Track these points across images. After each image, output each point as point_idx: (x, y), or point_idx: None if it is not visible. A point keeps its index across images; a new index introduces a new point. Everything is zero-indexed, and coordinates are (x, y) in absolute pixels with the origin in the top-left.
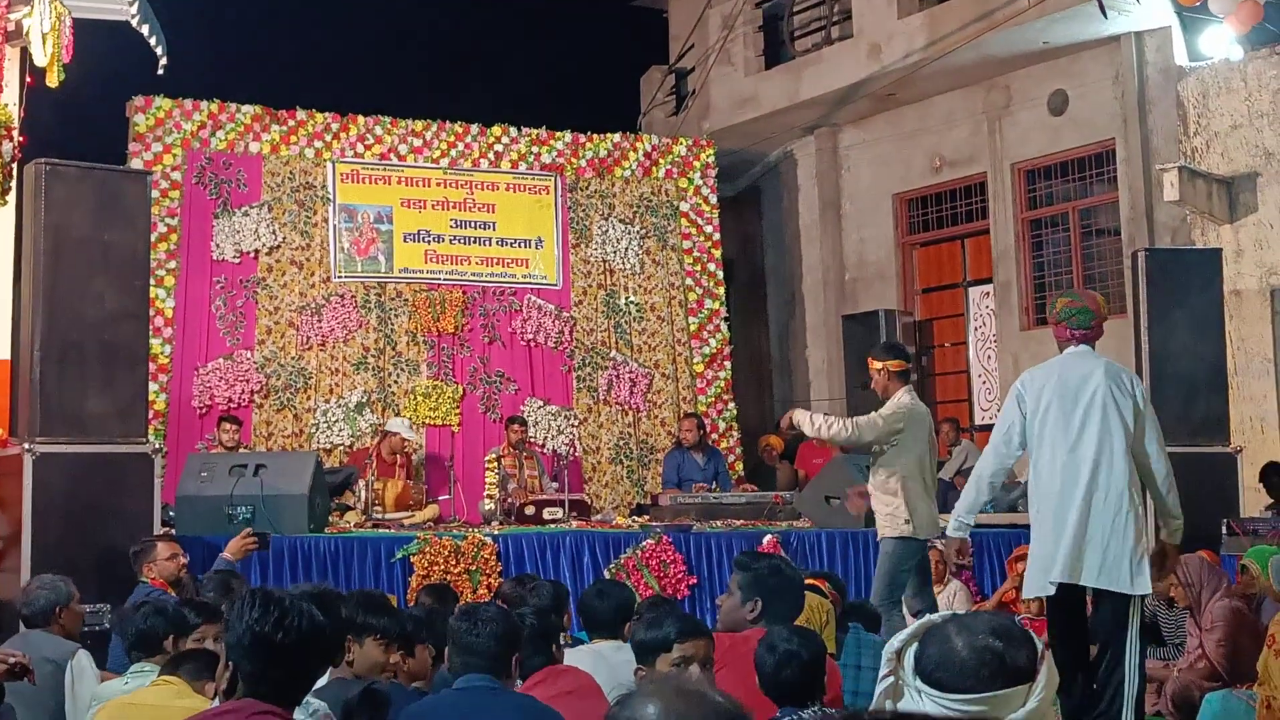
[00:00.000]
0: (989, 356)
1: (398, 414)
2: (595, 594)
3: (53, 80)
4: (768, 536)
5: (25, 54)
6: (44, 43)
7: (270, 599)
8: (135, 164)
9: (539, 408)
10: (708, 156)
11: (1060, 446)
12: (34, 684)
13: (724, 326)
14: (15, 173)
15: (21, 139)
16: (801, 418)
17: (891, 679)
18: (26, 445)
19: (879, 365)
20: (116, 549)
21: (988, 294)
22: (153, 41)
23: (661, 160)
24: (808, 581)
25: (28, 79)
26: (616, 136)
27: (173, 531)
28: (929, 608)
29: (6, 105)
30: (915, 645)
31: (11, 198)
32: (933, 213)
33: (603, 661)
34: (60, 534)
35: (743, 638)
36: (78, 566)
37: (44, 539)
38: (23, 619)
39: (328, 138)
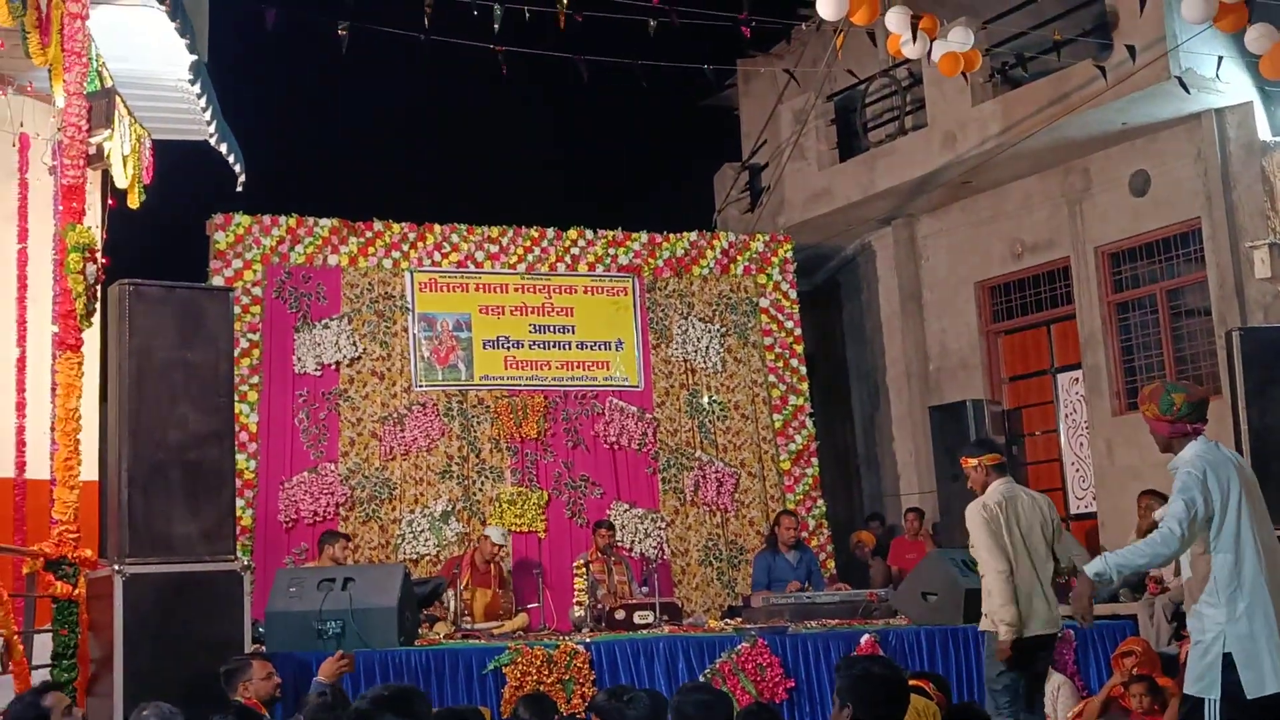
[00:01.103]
0: (1081, 443)
1: (484, 522)
2: (693, 705)
3: (134, 201)
4: (865, 636)
5: (106, 176)
6: (124, 165)
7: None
8: (216, 281)
9: (625, 511)
10: (786, 251)
11: (1255, 542)
12: None
13: (809, 422)
14: (100, 294)
15: (105, 260)
16: (1002, 642)
17: None
18: (116, 567)
19: (974, 463)
20: (208, 668)
21: (1077, 380)
22: (231, 159)
23: (739, 257)
24: (911, 683)
25: (109, 201)
26: (693, 235)
27: (263, 649)
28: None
29: (90, 228)
30: None
31: (96, 319)
32: (1016, 299)
33: None
34: (152, 655)
35: None
36: (169, 688)
37: (136, 661)
38: None
39: (405, 247)
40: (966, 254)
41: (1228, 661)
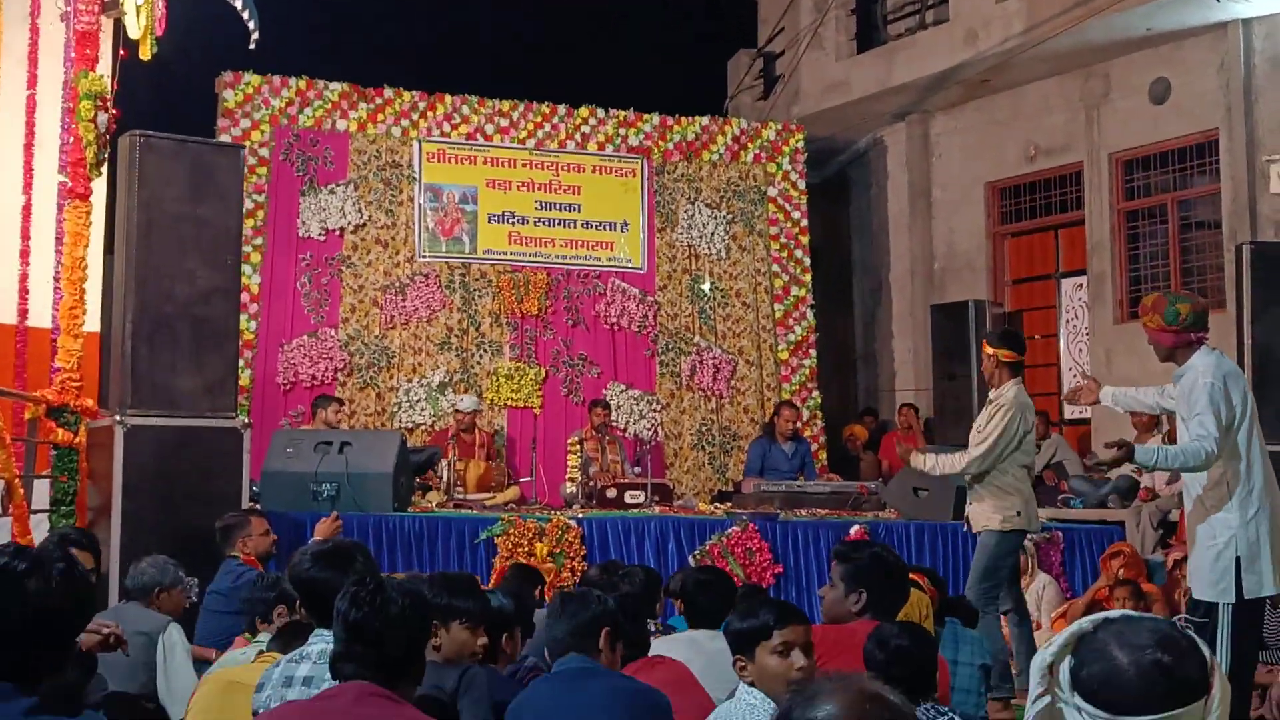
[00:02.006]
0: (1080, 350)
1: (481, 395)
2: (695, 582)
3: (145, 53)
4: (855, 527)
5: (119, 25)
6: (138, 15)
7: (370, 585)
8: (224, 139)
9: (621, 392)
10: (797, 142)
11: (1262, 449)
12: (127, 654)
13: (809, 314)
14: (109, 145)
15: (115, 111)
16: (918, 461)
17: (1047, 698)
18: (118, 417)
19: (991, 352)
20: (204, 523)
21: (1081, 286)
22: (245, 15)
23: (750, 145)
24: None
25: (121, 51)
26: (705, 120)
27: (258, 506)
28: (1017, 604)
29: (102, 76)
30: (1069, 659)
31: (105, 169)
32: (1025, 202)
33: (699, 651)
34: (149, 506)
35: (849, 630)
36: (166, 538)
37: (133, 511)
38: (125, 591)
39: (415, 116)
40: (979, 154)
41: (1238, 565)
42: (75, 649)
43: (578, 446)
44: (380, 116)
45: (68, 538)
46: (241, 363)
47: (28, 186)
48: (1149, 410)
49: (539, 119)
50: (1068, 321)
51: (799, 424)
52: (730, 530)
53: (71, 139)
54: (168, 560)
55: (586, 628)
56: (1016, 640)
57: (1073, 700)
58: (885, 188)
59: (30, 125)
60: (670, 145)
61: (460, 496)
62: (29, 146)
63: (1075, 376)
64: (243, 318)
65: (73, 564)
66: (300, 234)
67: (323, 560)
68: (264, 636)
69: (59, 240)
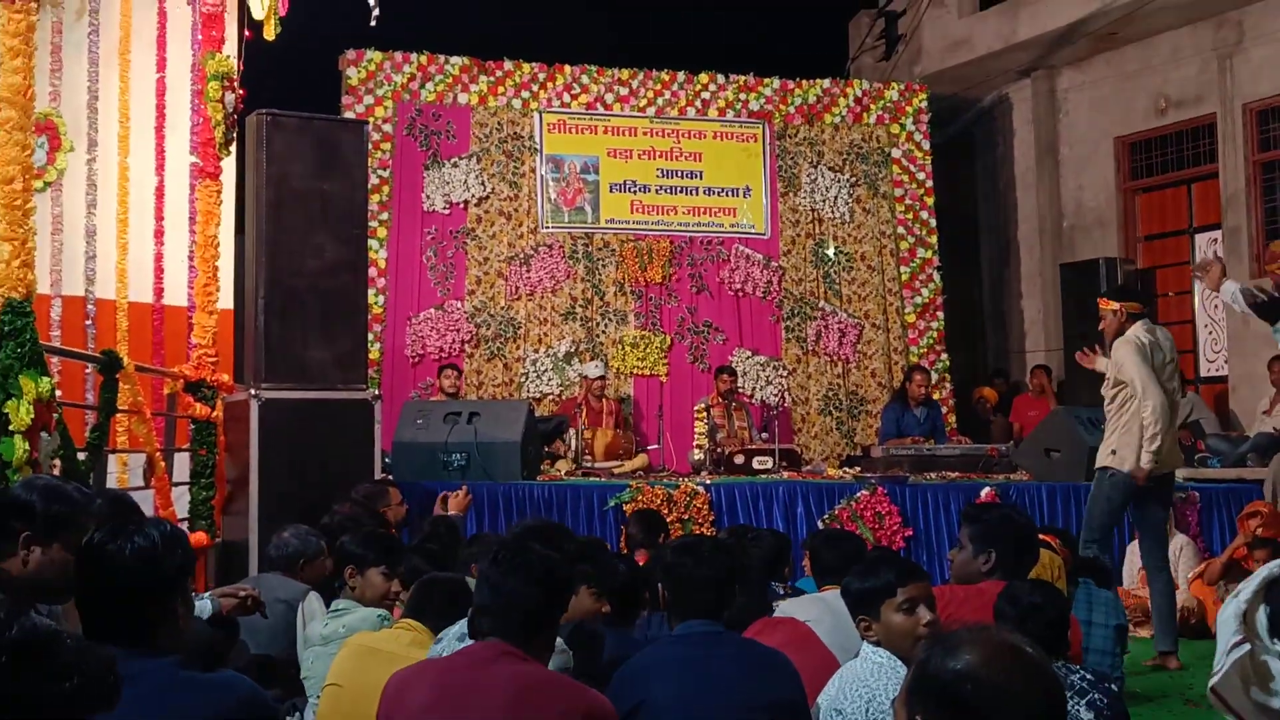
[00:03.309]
0: (1215, 306)
1: (607, 364)
2: (825, 541)
3: (269, 33)
4: (985, 489)
5: (243, 7)
6: None
7: (511, 546)
8: (348, 116)
9: (747, 358)
10: (920, 101)
11: None
12: (265, 617)
13: (936, 276)
14: (237, 124)
15: (242, 91)
16: (1143, 468)
17: (1246, 646)
18: (252, 391)
19: (1114, 307)
20: (338, 493)
21: (1215, 240)
22: None
23: (872, 106)
24: (1039, 537)
25: (246, 32)
26: (826, 82)
27: (390, 477)
28: (1154, 555)
29: (228, 57)
30: (1264, 606)
31: (233, 149)
32: (1156, 156)
33: (828, 610)
34: (284, 477)
35: (976, 590)
36: (301, 509)
37: (270, 482)
38: (268, 561)
39: (535, 88)
40: (1108, 108)
41: None
42: (179, 612)
43: (704, 413)
44: (501, 89)
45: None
46: (371, 336)
47: (160, 168)
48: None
49: (659, 86)
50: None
51: (929, 387)
52: (859, 494)
53: (201, 120)
54: (310, 531)
55: (721, 587)
56: (1154, 596)
57: (1274, 647)
58: (1011, 146)
59: (161, 107)
60: (792, 109)
61: (588, 465)
62: (160, 129)
63: (1210, 332)
64: (370, 292)
65: (144, 532)
66: (425, 208)
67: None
68: (343, 602)
69: (192, 219)
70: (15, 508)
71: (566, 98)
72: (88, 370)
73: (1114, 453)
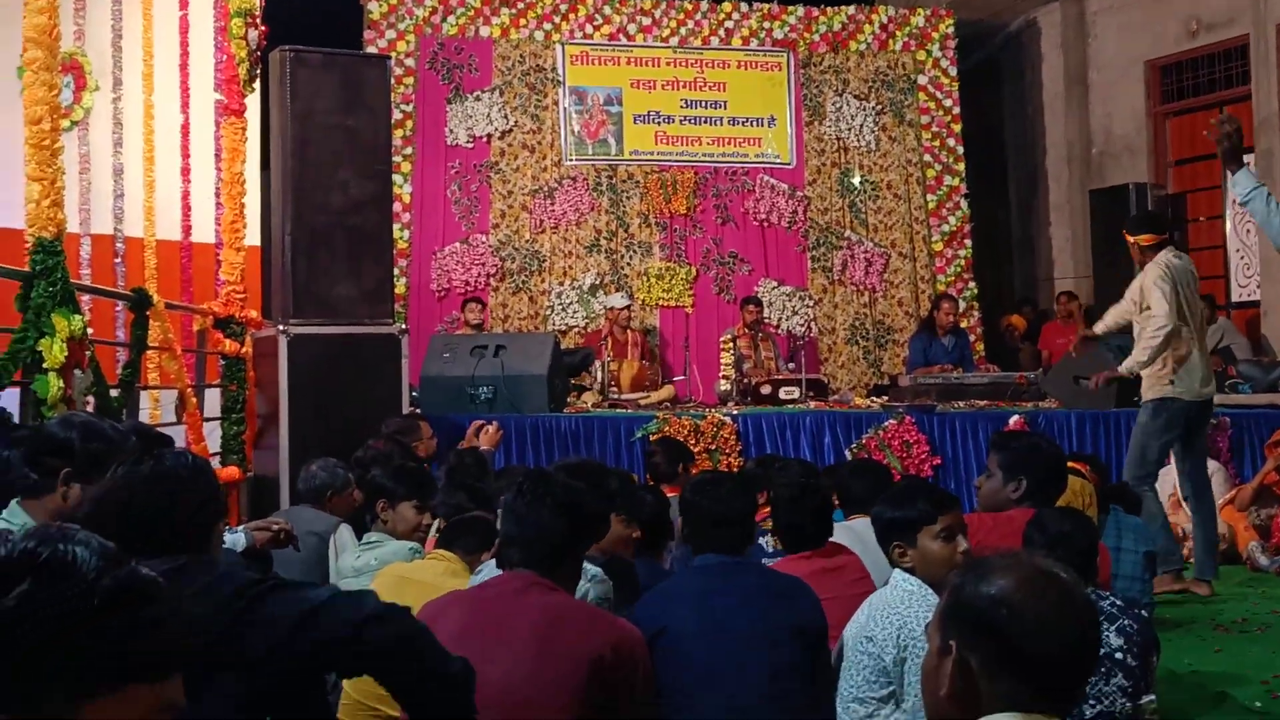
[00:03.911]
0: (1247, 230)
1: (632, 295)
2: (851, 471)
3: None
4: (1014, 417)
5: None
6: None
7: (535, 477)
8: (371, 51)
9: (773, 288)
10: (946, 27)
11: None
12: (298, 550)
13: (964, 204)
14: (260, 61)
15: (264, 28)
16: (1115, 374)
17: None
18: (280, 326)
19: (1132, 240)
20: (366, 427)
21: (1248, 164)
22: None
23: (898, 33)
24: (1068, 464)
25: None
26: (851, 9)
27: (418, 410)
28: (1194, 479)
29: None
30: None
31: (257, 85)
32: (1188, 80)
33: (857, 538)
34: (314, 412)
35: (1006, 518)
36: (330, 443)
37: (299, 417)
38: (296, 495)
39: (556, 19)
40: (1138, 32)
41: None
42: (215, 536)
43: (731, 344)
44: (522, 21)
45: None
46: (396, 271)
47: (185, 105)
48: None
49: (681, 16)
50: (1234, 201)
51: (957, 316)
52: (887, 424)
53: (224, 57)
54: (337, 463)
55: (738, 521)
56: (1196, 523)
57: None
58: (1039, 71)
59: (184, 45)
60: (816, 37)
61: (615, 396)
62: (184, 66)
63: (1242, 256)
64: (395, 227)
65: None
66: (448, 142)
67: (572, 474)
68: (375, 535)
69: (217, 157)
70: (54, 445)
71: (589, 29)
72: (118, 308)
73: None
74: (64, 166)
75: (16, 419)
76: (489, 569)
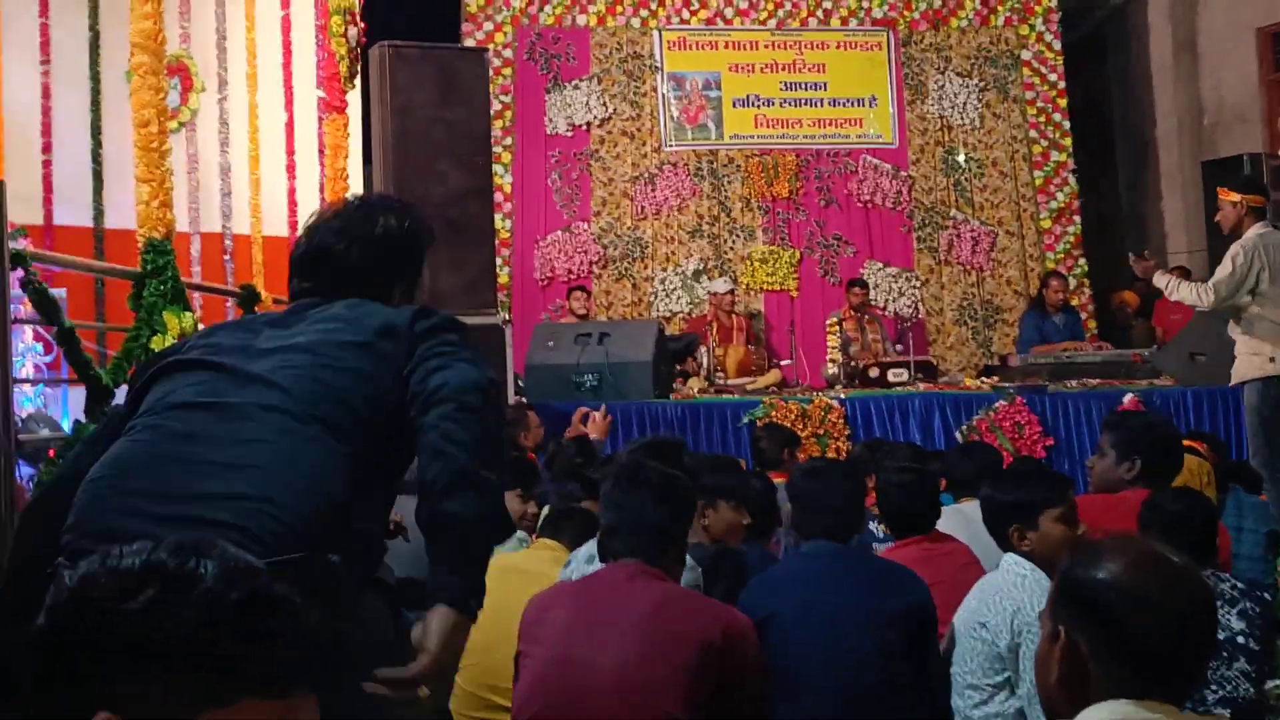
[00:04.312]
0: None
1: (736, 280)
2: (960, 453)
3: None
4: (1128, 395)
5: None
6: None
7: (630, 466)
8: (469, 44)
9: (879, 270)
10: (1049, 1)
11: None
12: (408, 541)
13: (1071, 179)
14: (360, 57)
15: (363, 25)
16: (1160, 280)
17: None
18: None
19: (1234, 198)
20: None
21: None
22: None
23: (999, 8)
24: (1185, 443)
25: None
26: None
27: (524, 400)
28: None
29: None
30: None
31: (358, 82)
32: None
33: (966, 521)
34: None
35: (1119, 499)
36: None
37: None
38: (404, 486)
39: (653, 5)
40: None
41: None
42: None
43: (837, 327)
44: (619, 8)
45: None
46: (499, 261)
47: (289, 103)
48: None
49: None
50: None
51: (1067, 293)
52: (998, 405)
53: (325, 55)
54: None
55: (847, 508)
56: None
57: None
58: (1146, 42)
59: (286, 44)
60: (916, 14)
61: (721, 382)
62: (286, 65)
63: None
64: (497, 217)
65: None
66: (548, 131)
67: (646, 452)
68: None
69: (321, 153)
70: None
71: (685, 14)
72: (228, 304)
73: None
74: (172, 167)
75: None
76: (577, 561)
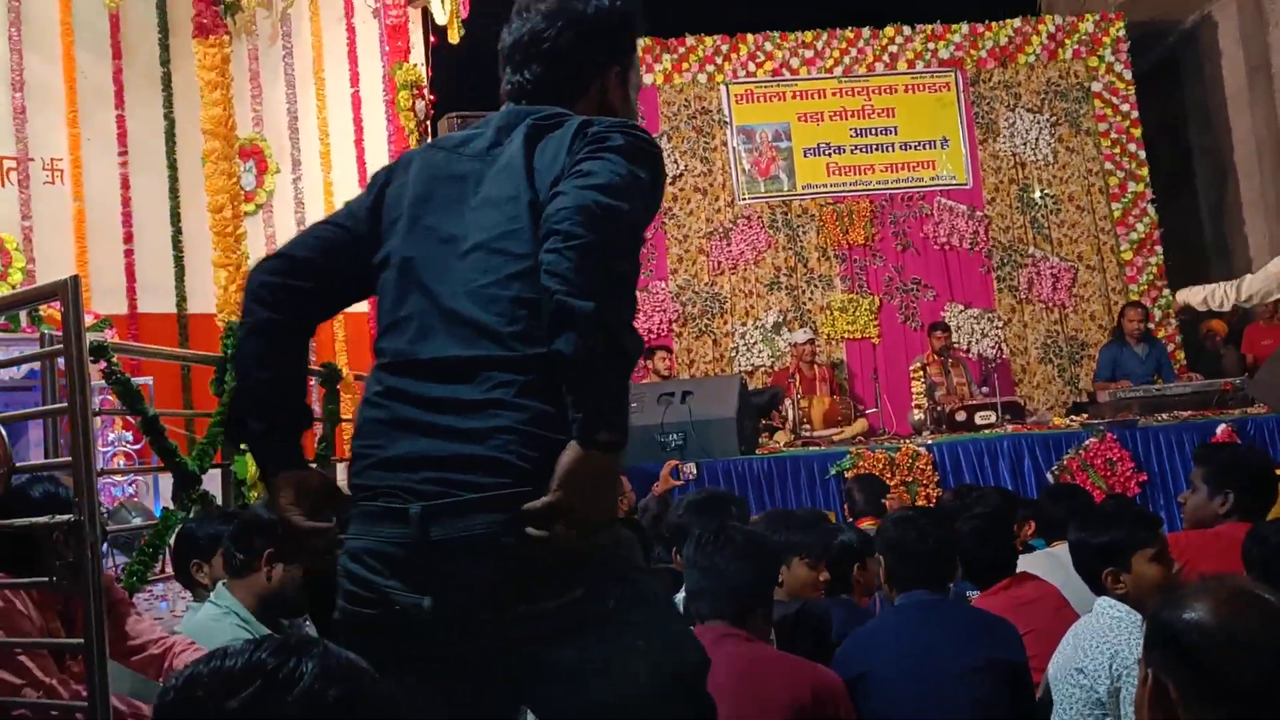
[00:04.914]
0: None
1: (816, 330)
2: (1050, 496)
3: (454, 37)
4: (1221, 426)
5: (426, 15)
6: (443, 2)
7: (713, 528)
8: None
9: (960, 312)
10: (1117, 30)
11: None
12: None
13: (1150, 209)
14: (430, 129)
15: (432, 97)
16: (1185, 296)
17: None
18: None
19: None
20: None
21: None
22: None
23: (1067, 41)
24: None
25: (431, 38)
26: (1016, 21)
27: None
28: None
29: (415, 66)
30: None
31: None
32: None
33: (1058, 564)
34: None
35: (1214, 535)
36: None
37: None
38: None
39: (719, 60)
40: None
41: None
42: None
43: (921, 372)
44: (685, 65)
45: None
46: None
47: (362, 180)
48: None
49: (844, 45)
50: None
51: (1148, 324)
52: (1088, 442)
53: (395, 129)
54: None
55: (941, 558)
56: None
57: None
58: (1219, 66)
59: (357, 121)
60: (983, 53)
61: (807, 434)
62: (359, 142)
63: None
64: None
65: None
66: None
67: (696, 508)
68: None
69: None
70: (260, 526)
71: (752, 66)
72: (312, 383)
73: None
74: (248, 250)
75: (219, 500)
76: None
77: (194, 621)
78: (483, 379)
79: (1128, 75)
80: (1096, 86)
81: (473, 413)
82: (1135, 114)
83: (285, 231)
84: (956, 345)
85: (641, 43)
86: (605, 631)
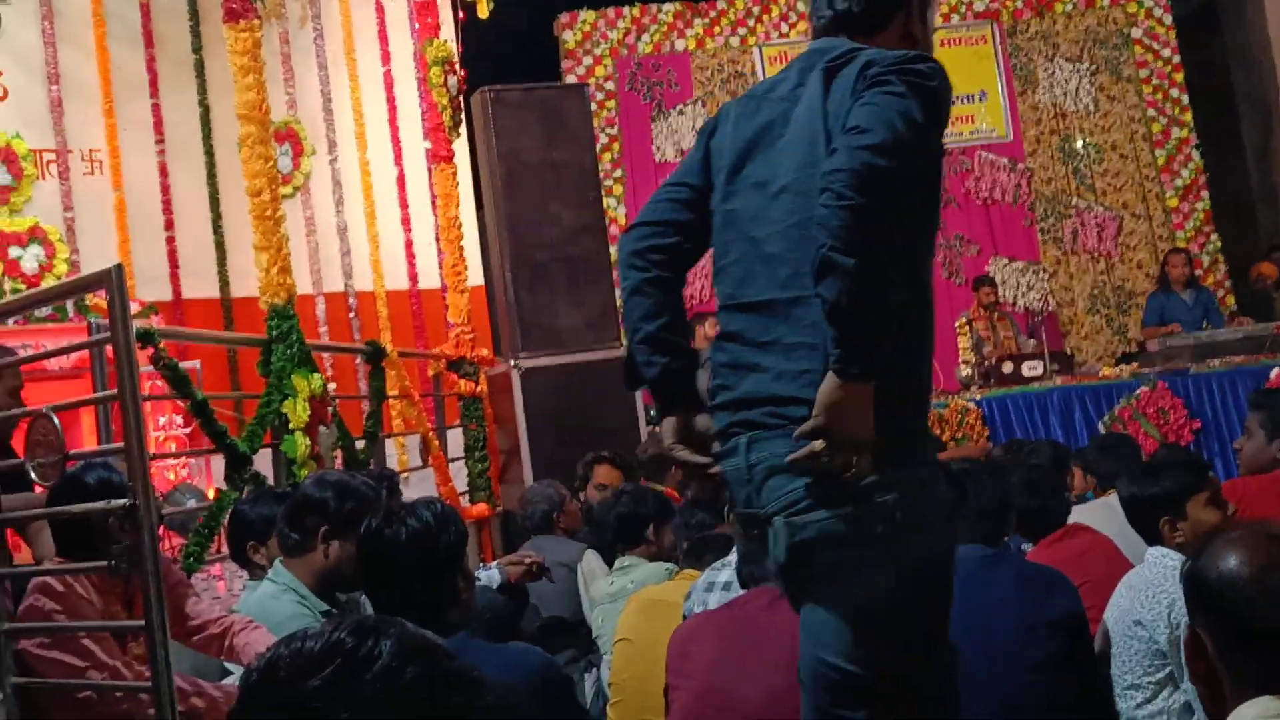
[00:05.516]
0: None
1: None
2: (1099, 448)
3: (483, 11)
4: (1275, 370)
5: None
6: None
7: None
8: (569, 80)
9: (1005, 266)
10: None
11: None
12: (553, 582)
13: (1195, 155)
14: (463, 105)
15: (463, 72)
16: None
17: None
18: (512, 362)
19: None
20: (605, 450)
21: None
22: None
23: None
24: None
25: (460, 14)
26: None
27: (657, 430)
28: None
29: (446, 42)
30: None
31: (463, 129)
32: None
33: (1113, 514)
34: (553, 441)
35: (1272, 479)
36: (572, 469)
37: (540, 448)
38: (528, 530)
39: (750, 23)
40: None
41: None
42: (459, 586)
43: (967, 328)
44: (716, 29)
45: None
46: (619, 293)
47: (398, 158)
48: None
49: None
50: None
51: (1194, 270)
52: (1139, 391)
53: (428, 106)
54: (544, 484)
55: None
56: None
57: None
58: (1262, 7)
59: (391, 99)
60: (1019, 3)
61: None
62: (393, 120)
63: None
64: (613, 250)
65: (417, 514)
66: (656, 159)
67: None
68: (628, 559)
69: (433, 203)
70: (312, 505)
71: (784, 27)
72: (357, 361)
73: None
74: (288, 233)
75: (270, 480)
76: (697, 591)
77: (252, 599)
78: (795, 320)
79: (1168, 20)
80: (1136, 33)
81: (792, 353)
82: (1177, 59)
83: (323, 213)
84: (1003, 300)
85: (672, 9)
86: (869, 552)
